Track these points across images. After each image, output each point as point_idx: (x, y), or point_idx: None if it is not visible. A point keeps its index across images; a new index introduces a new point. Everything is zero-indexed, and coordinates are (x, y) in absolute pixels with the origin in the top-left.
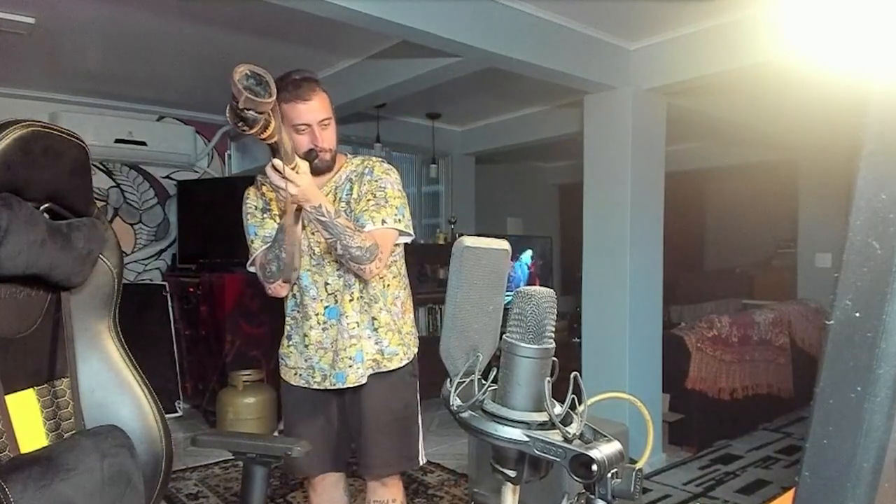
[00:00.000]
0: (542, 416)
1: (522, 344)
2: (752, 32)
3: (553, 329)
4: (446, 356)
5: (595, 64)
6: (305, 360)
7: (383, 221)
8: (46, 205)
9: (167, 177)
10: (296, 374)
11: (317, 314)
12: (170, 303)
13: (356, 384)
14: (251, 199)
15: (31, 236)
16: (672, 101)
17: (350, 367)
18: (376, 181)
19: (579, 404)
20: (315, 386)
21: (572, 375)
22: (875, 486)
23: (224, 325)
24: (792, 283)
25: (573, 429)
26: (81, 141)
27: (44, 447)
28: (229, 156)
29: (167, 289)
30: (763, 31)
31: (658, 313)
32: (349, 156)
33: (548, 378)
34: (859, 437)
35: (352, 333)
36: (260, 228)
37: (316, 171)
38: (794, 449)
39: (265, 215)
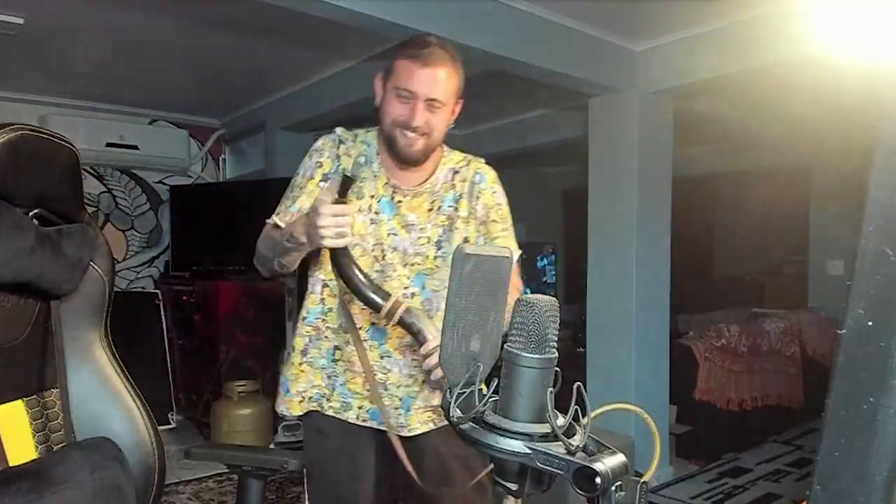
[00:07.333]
0: (544, 428)
1: (524, 353)
2: (762, 33)
3: (556, 338)
4: (446, 366)
5: (600, 66)
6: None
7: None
8: (35, 210)
9: (160, 182)
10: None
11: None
12: (162, 311)
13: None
14: (325, 160)
15: (19, 243)
16: (680, 104)
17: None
18: (492, 194)
19: (583, 416)
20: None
21: (576, 386)
22: (889, 500)
23: (218, 334)
24: (803, 292)
25: (576, 441)
26: (72, 145)
27: (32, 460)
28: (224, 160)
29: (160, 297)
30: (773, 32)
31: (665, 322)
32: (446, 149)
33: (550, 388)
34: (872, 449)
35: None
36: (307, 198)
37: (403, 160)
38: (804, 462)
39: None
